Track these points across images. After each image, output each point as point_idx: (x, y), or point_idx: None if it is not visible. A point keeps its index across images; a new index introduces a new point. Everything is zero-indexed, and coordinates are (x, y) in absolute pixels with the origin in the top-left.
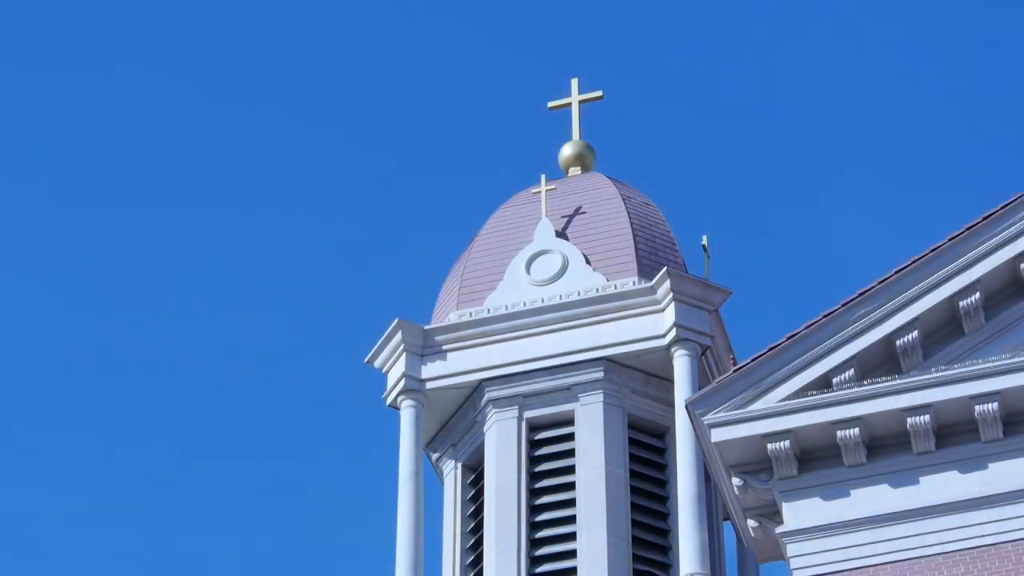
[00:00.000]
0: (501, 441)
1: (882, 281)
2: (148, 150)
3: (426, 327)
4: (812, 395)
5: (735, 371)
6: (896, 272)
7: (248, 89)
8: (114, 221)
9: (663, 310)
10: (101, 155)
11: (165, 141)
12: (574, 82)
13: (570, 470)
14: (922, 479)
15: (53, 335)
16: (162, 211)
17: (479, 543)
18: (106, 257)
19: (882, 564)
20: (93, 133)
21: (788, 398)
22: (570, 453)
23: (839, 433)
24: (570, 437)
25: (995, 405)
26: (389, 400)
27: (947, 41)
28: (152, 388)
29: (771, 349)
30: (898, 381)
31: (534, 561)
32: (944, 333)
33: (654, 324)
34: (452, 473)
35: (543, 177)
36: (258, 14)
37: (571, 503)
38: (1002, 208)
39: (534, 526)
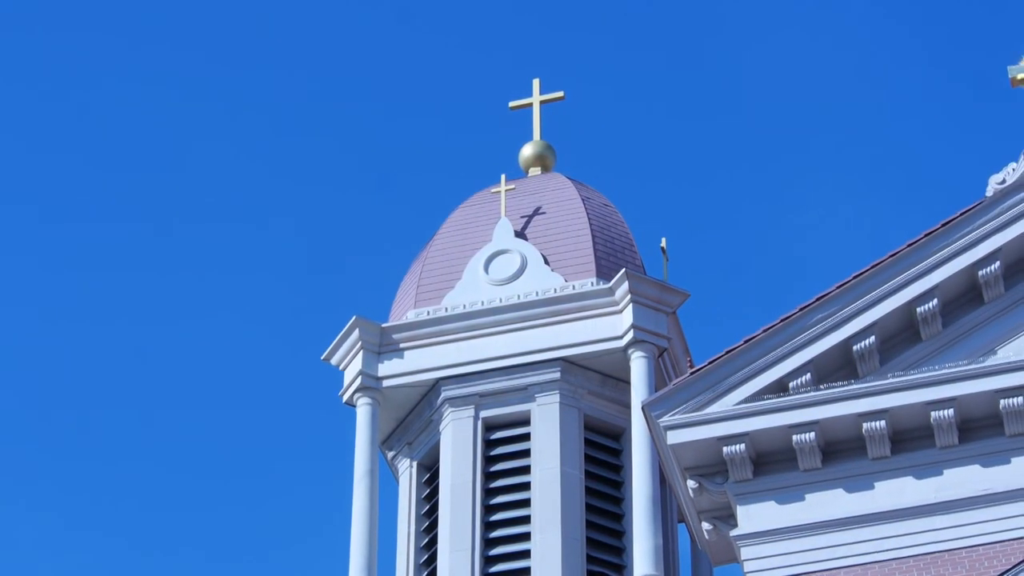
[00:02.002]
0: (457, 440)
1: (840, 286)
2: (102, 152)
3: (383, 325)
4: (768, 399)
5: (692, 374)
6: (854, 277)
7: (207, 87)
8: (69, 220)
9: (621, 311)
10: (48, 155)
11: (121, 141)
12: (535, 82)
13: (525, 470)
14: (877, 484)
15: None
16: (118, 210)
17: (433, 542)
18: (61, 258)
19: (836, 569)
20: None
21: (744, 401)
22: (526, 453)
23: (795, 437)
24: (526, 437)
25: (951, 411)
26: (345, 397)
27: (910, 47)
28: (108, 383)
29: (728, 352)
30: (854, 386)
31: (488, 561)
32: (901, 339)
33: (611, 325)
34: (407, 472)
35: (503, 177)
36: (219, 11)
37: (526, 503)
38: (960, 215)
39: (489, 526)
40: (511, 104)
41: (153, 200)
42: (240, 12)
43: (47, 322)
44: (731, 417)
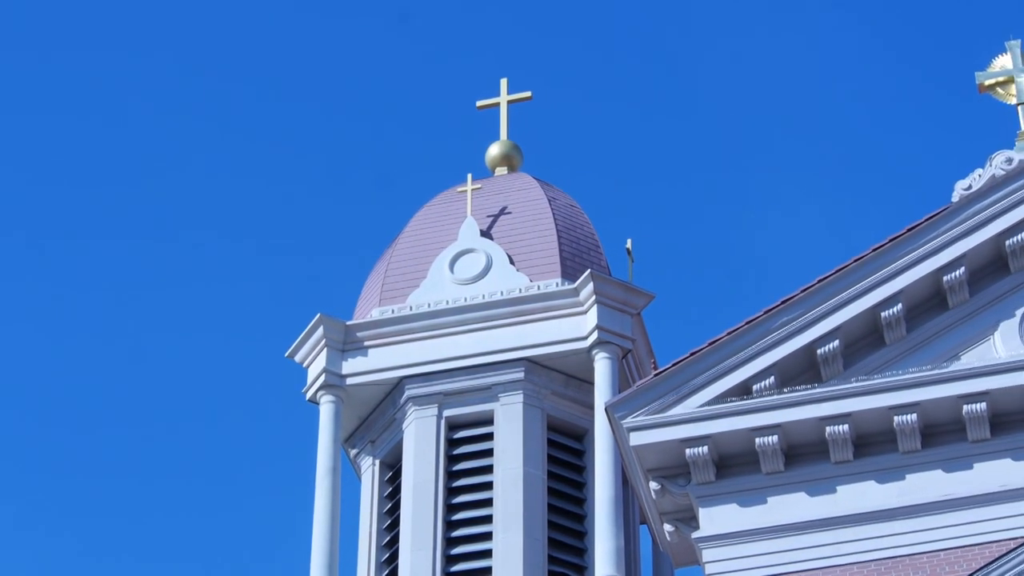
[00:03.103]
0: (420, 439)
1: (805, 290)
2: (63, 159)
3: (348, 323)
4: (732, 401)
5: (655, 375)
6: (819, 281)
7: (178, 83)
8: (29, 227)
9: (585, 312)
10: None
11: (85, 145)
12: (503, 82)
13: (488, 470)
14: (839, 488)
15: None
16: (80, 196)
17: (395, 540)
18: (22, 265)
19: (797, 572)
20: None
21: (708, 404)
22: (488, 453)
23: (758, 440)
24: (489, 437)
25: (914, 417)
26: (309, 395)
27: (879, 51)
28: (71, 375)
29: (692, 354)
30: (818, 390)
31: (450, 560)
32: (865, 343)
33: (576, 326)
34: (370, 470)
35: (469, 176)
36: (182, 10)
37: (488, 503)
38: (926, 220)
39: (451, 525)
40: (478, 103)
41: (118, 200)
42: (206, 13)
43: (7, 327)
44: (694, 419)
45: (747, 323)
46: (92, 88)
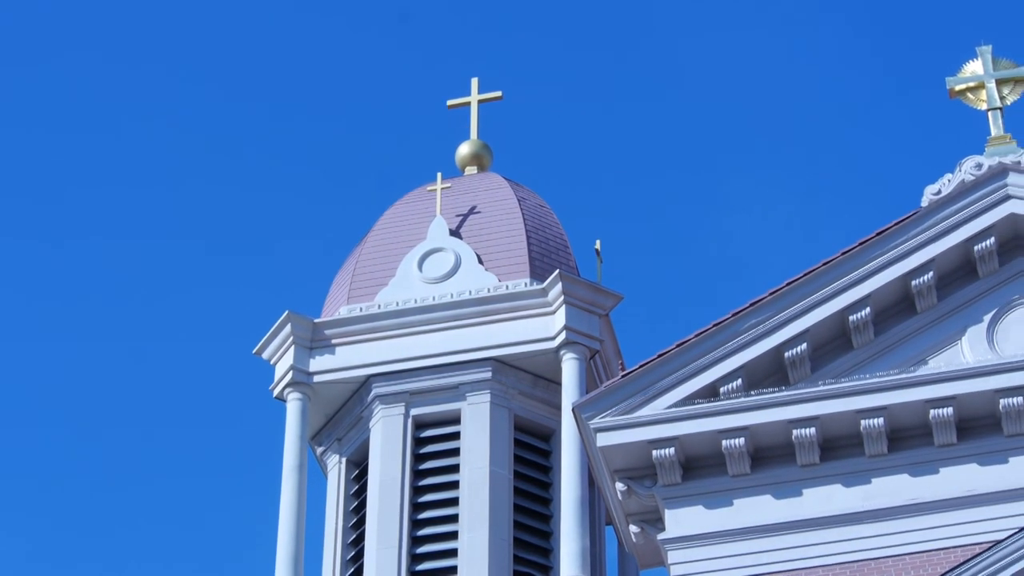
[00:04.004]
0: (386, 437)
1: (773, 292)
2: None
3: (316, 320)
4: (699, 403)
5: (623, 376)
6: (787, 284)
7: (143, 82)
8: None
9: (553, 312)
10: None
11: (48, 132)
12: (474, 81)
13: (454, 469)
14: (805, 491)
15: None
16: (45, 196)
17: (361, 538)
18: None
19: (763, 574)
20: None
21: (675, 405)
22: (455, 452)
23: (724, 442)
24: (456, 436)
25: (881, 420)
26: (276, 392)
27: (850, 55)
28: (35, 373)
29: (660, 356)
30: (785, 393)
31: (415, 559)
32: (833, 347)
33: (544, 326)
34: (336, 468)
35: (439, 175)
36: (153, 11)
37: (454, 502)
38: (895, 225)
39: (416, 524)
40: (449, 102)
41: (84, 197)
42: (166, 11)
43: None
44: (661, 421)
45: (715, 325)
46: (45, 83)
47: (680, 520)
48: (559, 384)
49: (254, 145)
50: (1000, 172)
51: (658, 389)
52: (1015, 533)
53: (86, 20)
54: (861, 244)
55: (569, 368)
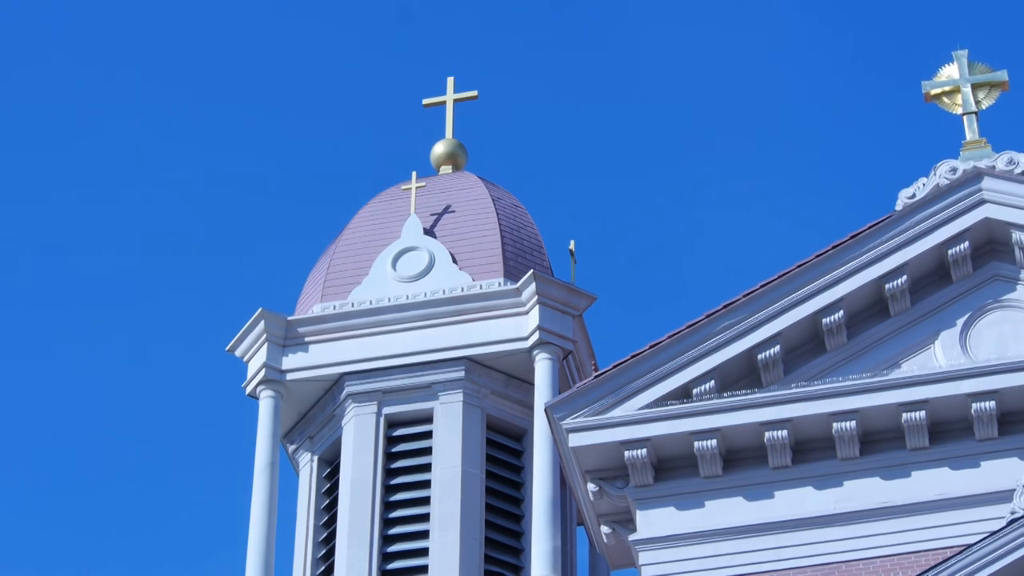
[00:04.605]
0: (358, 436)
1: (746, 295)
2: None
3: (289, 318)
4: (671, 405)
5: (596, 377)
6: (761, 286)
7: (117, 83)
8: None
9: (527, 312)
10: None
11: (24, 131)
12: (450, 80)
13: (426, 468)
14: (777, 494)
15: None
16: (21, 196)
17: (332, 537)
18: None
19: None
20: None
21: (647, 407)
22: (427, 451)
23: (697, 444)
24: (428, 435)
25: (853, 424)
26: (249, 389)
27: (825, 57)
28: (10, 368)
29: (633, 357)
30: (758, 395)
31: (386, 558)
32: (806, 349)
33: (517, 326)
34: (308, 466)
35: (414, 174)
36: (132, 11)
37: (426, 501)
38: (869, 228)
39: (388, 523)
40: (424, 101)
41: (58, 187)
42: (140, 11)
43: None
44: (633, 422)
45: (688, 327)
46: (18, 85)
47: (652, 521)
48: (532, 384)
49: (228, 143)
50: (975, 176)
51: (631, 390)
52: (987, 537)
53: (55, 16)
54: (835, 247)
55: (542, 368)
